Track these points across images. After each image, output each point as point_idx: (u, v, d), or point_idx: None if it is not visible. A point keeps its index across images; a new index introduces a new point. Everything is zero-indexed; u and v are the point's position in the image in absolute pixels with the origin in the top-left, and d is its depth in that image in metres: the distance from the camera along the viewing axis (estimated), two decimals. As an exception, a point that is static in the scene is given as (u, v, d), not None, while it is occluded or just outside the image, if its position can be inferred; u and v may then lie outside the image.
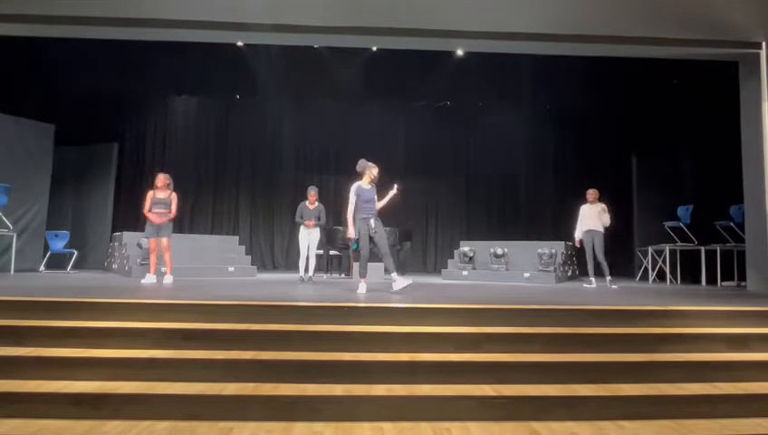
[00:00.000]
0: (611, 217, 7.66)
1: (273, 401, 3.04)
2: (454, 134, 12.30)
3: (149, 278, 6.76)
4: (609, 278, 7.54)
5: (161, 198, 6.78)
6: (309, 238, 7.79)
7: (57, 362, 3.34)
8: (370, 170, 6.00)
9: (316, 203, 7.85)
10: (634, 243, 10.90)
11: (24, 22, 6.63)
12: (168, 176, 6.94)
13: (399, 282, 5.74)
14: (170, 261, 6.88)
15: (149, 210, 6.74)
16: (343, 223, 6.15)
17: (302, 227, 7.81)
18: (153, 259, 6.86)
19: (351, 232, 5.93)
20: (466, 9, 6.40)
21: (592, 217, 7.59)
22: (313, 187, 7.97)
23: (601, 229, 7.54)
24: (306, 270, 7.81)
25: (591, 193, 7.73)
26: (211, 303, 4.16)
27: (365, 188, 5.97)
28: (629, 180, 11.36)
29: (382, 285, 7.24)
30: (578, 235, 7.74)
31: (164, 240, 6.76)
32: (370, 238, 5.89)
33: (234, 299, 4.43)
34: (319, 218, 7.81)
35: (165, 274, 6.88)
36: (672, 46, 7.09)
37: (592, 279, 7.68)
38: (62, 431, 2.76)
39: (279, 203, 12.08)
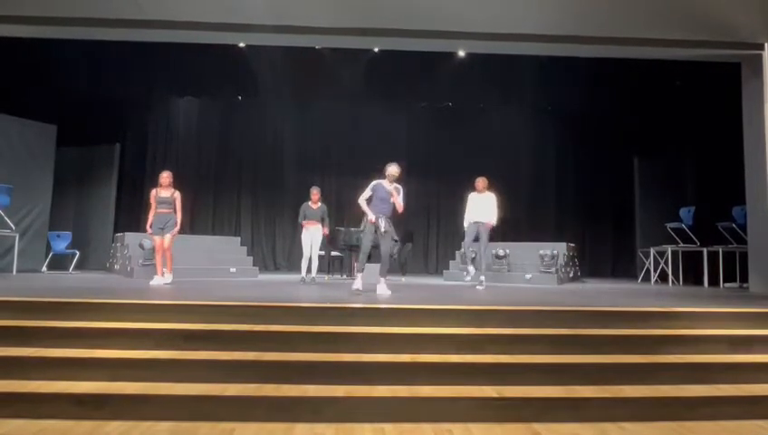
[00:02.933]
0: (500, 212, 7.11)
1: (275, 402, 3.04)
2: (455, 135, 12.29)
3: (157, 280, 6.61)
4: (482, 278, 6.96)
5: (165, 196, 6.66)
6: (311, 238, 7.78)
7: (59, 363, 3.35)
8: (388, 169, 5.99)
9: (319, 203, 7.84)
10: (636, 244, 10.89)
11: (27, 23, 6.65)
12: (170, 174, 6.82)
13: (382, 289, 5.77)
14: (171, 259, 6.75)
15: (155, 209, 6.62)
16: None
17: (303, 226, 7.80)
18: (159, 259, 6.70)
19: (371, 217, 5.87)
20: (468, 10, 6.40)
21: (480, 208, 6.98)
22: (316, 186, 7.97)
23: (489, 222, 6.94)
24: (309, 271, 7.81)
25: (480, 181, 7.09)
26: (213, 304, 4.17)
27: (383, 186, 5.94)
28: (631, 181, 11.35)
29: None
30: (466, 224, 7.10)
31: (167, 237, 6.61)
32: (377, 236, 5.90)
33: (236, 300, 4.43)
34: (323, 219, 7.81)
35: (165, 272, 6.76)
36: (674, 47, 7.09)
37: (471, 268, 7.13)
38: (65, 432, 2.76)
39: (281, 204, 12.07)
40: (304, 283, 7.60)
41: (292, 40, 7.26)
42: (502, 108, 12.21)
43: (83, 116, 10.88)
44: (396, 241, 6.46)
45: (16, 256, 8.81)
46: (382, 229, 5.85)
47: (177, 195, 6.76)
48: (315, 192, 7.85)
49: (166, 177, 6.74)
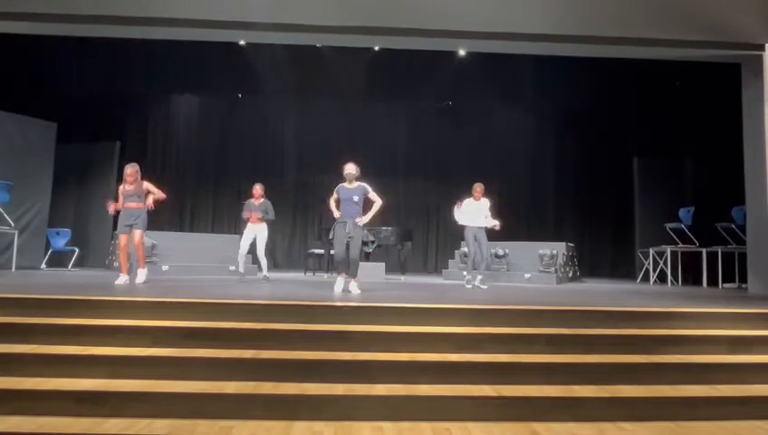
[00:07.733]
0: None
1: (274, 400, 3.04)
2: (455, 134, 12.29)
3: (122, 279, 6.08)
4: (480, 277, 7.06)
5: (131, 189, 6.12)
6: (255, 235, 7.72)
7: (58, 360, 3.35)
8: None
9: (262, 199, 7.79)
10: (635, 244, 10.88)
11: (27, 20, 6.64)
12: (136, 169, 6.18)
13: (353, 287, 5.69)
14: (143, 256, 6.28)
15: (122, 204, 6.15)
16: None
17: (248, 223, 7.75)
18: (123, 257, 6.15)
19: (336, 214, 5.86)
20: (469, 9, 6.40)
21: (479, 214, 7.08)
22: (259, 183, 7.87)
23: (485, 225, 7.07)
24: (260, 269, 7.77)
25: (479, 189, 7.16)
26: (212, 301, 4.16)
27: (345, 187, 5.90)
28: (631, 182, 11.35)
29: (381, 284, 7.25)
30: (461, 220, 7.09)
31: (137, 233, 6.08)
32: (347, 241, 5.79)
33: (234, 298, 4.42)
34: (267, 212, 7.73)
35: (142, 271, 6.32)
36: (675, 47, 7.09)
37: (470, 277, 7.18)
38: (63, 429, 2.76)
39: (280, 202, 11.99)
40: (242, 279, 7.54)
41: (293, 38, 7.26)
42: (502, 107, 12.20)
43: (83, 113, 10.87)
44: (369, 242, 6.35)
45: (15, 253, 8.79)
46: (348, 235, 5.73)
47: (149, 184, 6.21)
48: (258, 188, 7.77)
49: (130, 174, 6.05)
